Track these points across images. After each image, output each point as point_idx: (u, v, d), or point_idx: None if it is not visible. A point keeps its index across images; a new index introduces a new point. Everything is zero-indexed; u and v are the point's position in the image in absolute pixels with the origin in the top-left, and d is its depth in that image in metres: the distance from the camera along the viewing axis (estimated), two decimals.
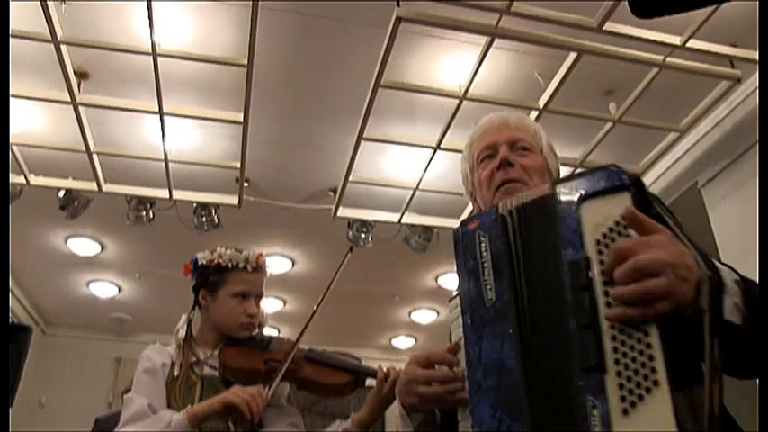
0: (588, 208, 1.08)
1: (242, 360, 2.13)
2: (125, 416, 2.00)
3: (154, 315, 8.51)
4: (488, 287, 1.10)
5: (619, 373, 0.96)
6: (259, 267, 2.29)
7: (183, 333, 2.24)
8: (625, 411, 0.94)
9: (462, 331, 1.13)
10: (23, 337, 5.49)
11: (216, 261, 2.25)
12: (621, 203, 1.06)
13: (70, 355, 8.77)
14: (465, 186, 1.69)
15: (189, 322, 2.28)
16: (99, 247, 6.94)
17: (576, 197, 1.10)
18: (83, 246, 6.89)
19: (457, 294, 1.23)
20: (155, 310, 8.41)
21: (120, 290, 8.05)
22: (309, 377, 2.16)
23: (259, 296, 2.29)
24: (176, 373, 2.13)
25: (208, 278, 2.27)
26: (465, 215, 5.45)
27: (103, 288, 7.98)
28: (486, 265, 1.11)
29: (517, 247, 1.12)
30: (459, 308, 1.18)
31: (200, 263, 2.29)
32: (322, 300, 2.28)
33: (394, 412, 1.36)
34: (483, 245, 1.13)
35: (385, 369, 2.03)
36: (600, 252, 1.04)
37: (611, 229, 1.05)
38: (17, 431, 7.47)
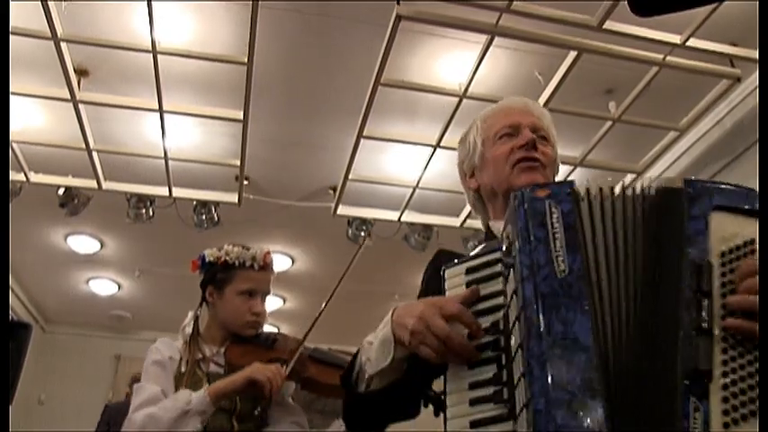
0: (718, 218, 1.09)
1: (247, 358, 2.12)
2: (137, 401, 2.01)
3: (153, 312, 8.52)
4: (560, 259, 1.05)
5: (725, 386, 0.97)
6: (266, 266, 2.28)
7: (189, 329, 2.24)
8: (726, 425, 0.95)
9: (521, 298, 1.06)
10: (23, 335, 5.48)
11: (223, 258, 2.25)
12: (752, 228, 1.07)
13: (70, 352, 8.78)
14: (468, 159, 1.65)
15: (196, 319, 2.28)
16: (99, 245, 6.95)
17: (707, 203, 1.11)
18: (82, 243, 6.89)
19: (463, 262, 1.24)
20: (154, 308, 8.42)
21: (119, 287, 8.05)
22: (313, 377, 2.16)
23: (265, 294, 2.29)
24: (183, 369, 2.13)
25: (215, 275, 2.27)
26: (464, 213, 5.45)
27: (103, 285, 7.99)
28: (558, 236, 1.07)
29: (607, 230, 1.10)
30: (496, 271, 1.16)
31: (207, 260, 2.29)
32: (330, 298, 2.28)
33: (372, 339, 1.30)
34: (555, 216, 1.09)
35: None
36: (723, 264, 1.05)
37: (737, 248, 1.06)
38: (17, 429, 7.48)
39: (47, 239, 6.83)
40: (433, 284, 1.37)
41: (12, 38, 3.54)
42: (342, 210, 5.54)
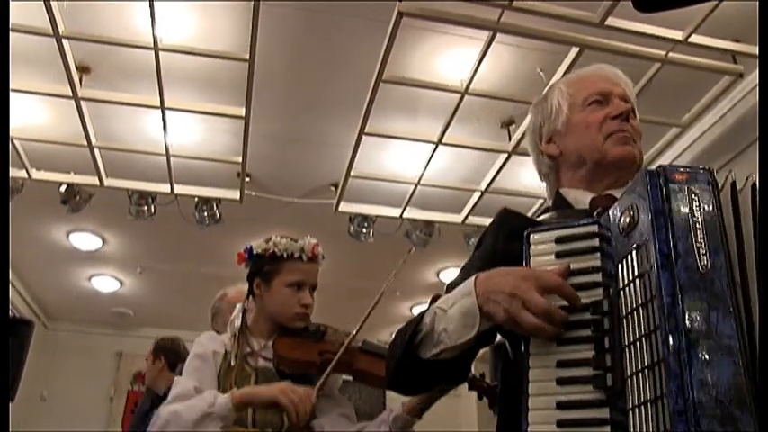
0: None
1: (297, 352, 2.11)
2: (171, 395, 2.00)
3: (155, 310, 8.53)
4: (701, 252, 0.96)
5: None
6: (314, 257, 2.27)
7: (238, 322, 2.22)
8: None
9: (654, 285, 0.96)
10: (25, 332, 5.51)
11: (271, 250, 2.23)
12: None
13: (72, 349, 8.79)
14: (548, 123, 1.57)
15: (244, 312, 2.26)
16: (100, 242, 6.95)
17: None
18: (84, 240, 6.90)
19: (552, 228, 1.17)
20: (156, 305, 8.43)
21: (121, 284, 8.06)
22: (365, 368, 2.14)
23: (314, 286, 2.26)
24: (231, 363, 2.11)
25: (262, 267, 2.24)
26: (466, 210, 5.45)
27: (105, 282, 8.00)
28: (699, 226, 0.98)
29: (748, 222, 1.01)
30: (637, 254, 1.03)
31: (254, 252, 2.26)
32: (381, 295, 2.25)
33: (447, 306, 1.22)
34: (695, 204, 1.00)
35: None
36: None
37: None
38: (19, 425, 7.49)
39: (48, 236, 6.83)
40: (504, 247, 1.32)
41: (13, 35, 3.55)
42: (343, 207, 5.54)
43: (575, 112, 1.53)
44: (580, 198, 1.45)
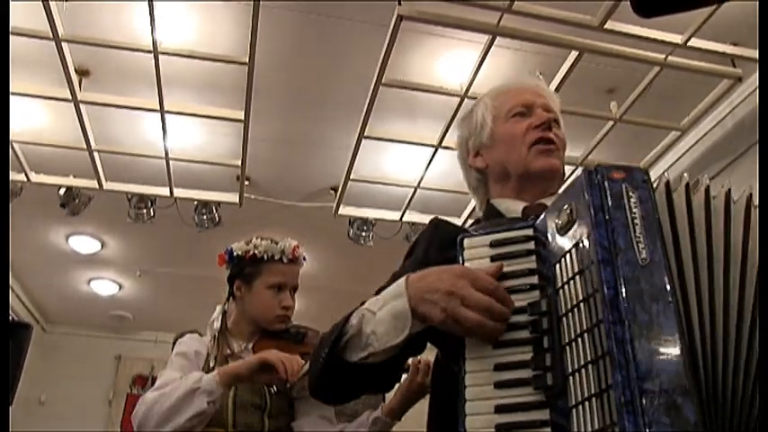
0: None
1: None
2: (156, 384, 2.00)
3: (154, 313, 8.52)
4: (641, 246, 0.98)
5: None
6: (295, 259, 2.26)
7: (217, 325, 2.23)
8: None
9: (596, 279, 0.97)
10: (23, 335, 5.49)
11: (252, 252, 2.23)
12: None
13: (70, 352, 8.78)
14: (474, 137, 1.58)
15: (224, 314, 2.26)
16: (99, 245, 6.95)
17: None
18: (83, 243, 6.89)
19: (486, 233, 1.16)
20: (155, 308, 8.42)
21: (120, 288, 8.05)
22: None
23: (294, 288, 2.26)
24: (211, 365, 2.11)
25: (243, 269, 2.24)
26: (466, 213, 5.45)
27: (104, 286, 7.99)
28: (637, 222, 1.00)
29: (690, 226, 1.06)
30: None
31: (235, 254, 2.26)
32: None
33: (376, 308, 1.17)
34: (633, 200, 1.03)
35: (416, 361, 2.01)
36: None
37: None
38: (17, 429, 7.48)
39: (48, 239, 6.83)
40: (437, 255, 1.30)
41: (12, 38, 3.55)
42: (343, 210, 5.54)
43: (499, 125, 1.54)
44: (512, 207, 1.46)
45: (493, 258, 1.13)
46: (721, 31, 3.77)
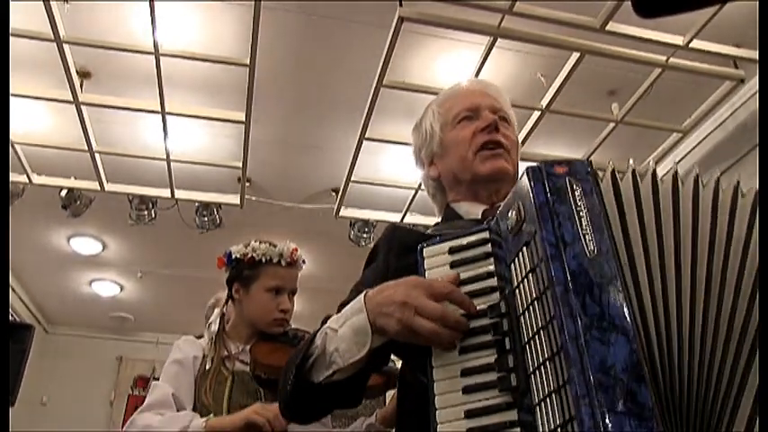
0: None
1: (274, 357, 2.07)
2: (147, 401, 2.00)
3: (155, 314, 8.53)
4: (587, 238, 0.99)
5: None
6: (293, 262, 2.26)
7: (215, 327, 2.23)
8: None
9: (546, 277, 0.98)
10: (25, 336, 5.51)
11: (250, 255, 2.23)
12: None
13: (72, 353, 8.79)
14: (426, 146, 1.58)
15: (222, 316, 2.27)
16: (101, 247, 6.95)
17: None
18: (85, 245, 6.90)
19: (443, 240, 1.17)
20: (156, 310, 8.43)
21: (121, 289, 8.06)
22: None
23: (293, 291, 2.26)
24: (207, 367, 2.11)
25: (242, 272, 2.24)
26: None
27: (105, 287, 8.00)
28: (582, 214, 1.01)
29: (631, 207, 1.06)
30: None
31: (234, 256, 2.27)
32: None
33: (337, 326, 1.18)
34: (577, 193, 1.03)
35: None
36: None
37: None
38: (19, 430, 7.48)
39: (49, 241, 6.84)
40: (397, 262, 1.31)
41: (14, 39, 3.55)
42: (344, 211, 5.54)
43: (447, 132, 1.53)
44: (471, 210, 1.47)
45: (452, 264, 1.13)
46: (723, 32, 3.77)
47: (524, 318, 1.01)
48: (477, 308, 1.07)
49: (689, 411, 0.94)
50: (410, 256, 1.22)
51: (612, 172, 1.09)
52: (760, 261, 1.03)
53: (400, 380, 1.36)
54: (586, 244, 0.99)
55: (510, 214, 1.10)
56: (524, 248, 1.04)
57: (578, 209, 1.02)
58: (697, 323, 0.99)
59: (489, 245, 1.13)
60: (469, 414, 1.00)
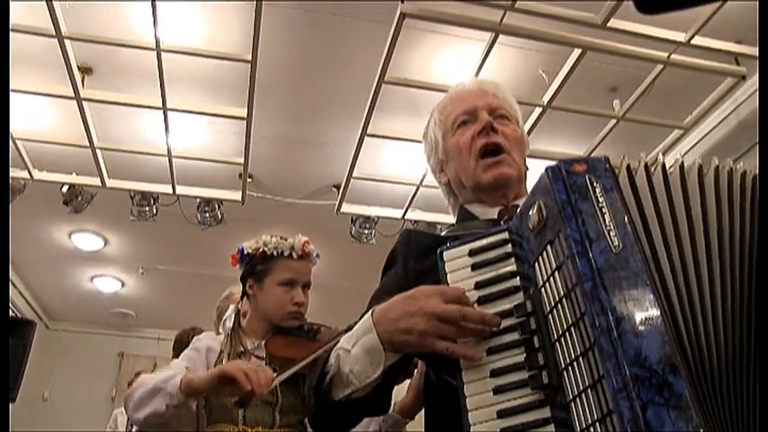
0: None
1: (289, 350, 2.07)
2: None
3: (157, 310, 8.54)
4: (612, 233, 1.00)
5: None
6: (305, 255, 2.26)
7: (230, 323, 2.23)
8: None
9: (574, 273, 0.98)
10: (27, 332, 5.52)
11: (261, 249, 2.23)
12: None
13: (73, 349, 8.81)
14: (433, 154, 1.60)
15: (237, 312, 2.27)
16: (102, 243, 6.96)
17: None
18: (86, 241, 6.91)
19: (463, 243, 1.17)
20: (158, 306, 8.44)
21: (123, 285, 8.07)
22: None
23: (306, 285, 2.26)
24: (224, 361, 2.10)
25: (254, 267, 2.25)
26: None
27: (107, 283, 8.01)
28: (605, 210, 1.02)
29: (648, 201, 1.06)
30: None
31: (246, 252, 2.27)
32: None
33: (349, 346, 1.18)
34: (597, 190, 1.04)
35: None
36: None
37: None
38: (21, 426, 7.50)
39: (51, 237, 6.84)
40: (416, 266, 1.31)
41: (15, 35, 3.55)
42: (345, 208, 5.54)
43: (448, 139, 1.54)
44: (487, 211, 1.46)
45: (474, 266, 1.14)
46: (725, 28, 3.76)
47: (553, 315, 1.02)
48: (503, 308, 1.08)
49: (722, 399, 0.95)
50: (429, 259, 1.22)
51: (628, 167, 1.09)
52: (759, 258, 1.04)
53: (425, 382, 1.36)
54: (611, 239, 0.99)
55: (531, 214, 1.10)
56: (548, 247, 1.05)
57: (600, 206, 1.03)
58: (719, 311, 1.00)
59: (510, 245, 1.13)
60: (502, 414, 1.00)
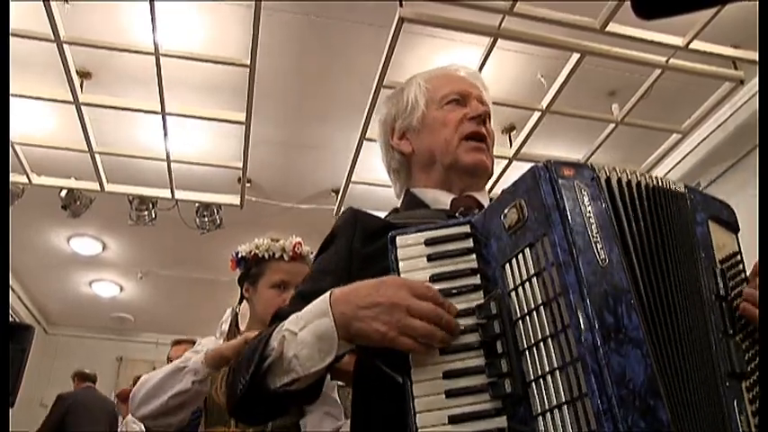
0: (713, 228, 1.14)
1: None
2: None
3: (155, 315, 8.53)
4: (598, 245, 0.96)
5: (749, 388, 1.01)
6: (297, 256, 2.27)
7: (225, 327, 2.24)
8: (756, 426, 0.99)
9: (558, 283, 0.94)
10: (25, 337, 5.51)
11: (254, 252, 2.25)
12: (732, 241, 1.17)
13: (72, 354, 8.78)
14: (403, 116, 1.49)
15: (235, 316, 2.28)
16: (101, 247, 6.95)
17: (704, 211, 1.15)
18: (85, 245, 6.90)
19: (418, 230, 1.08)
20: (156, 310, 8.43)
21: (121, 289, 8.06)
22: (343, 366, 2.12)
23: None
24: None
25: (250, 270, 2.27)
26: None
27: (105, 288, 8.00)
28: (592, 222, 0.97)
29: (636, 222, 1.04)
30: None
31: (240, 255, 2.29)
32: None
33: (297, 329, 1.07)
34: (586, 198, 0.99)
35: None
36: (722, 271, 1.10)
37: (728, 257, 1.13)
38: (19, 430, 7.48)
39: (49, 241, 6.84)
40: (362, 248, 1.22)
41: (14, 40, 3.55)
42: None
43: (431, 109, 1.46)
44: (440, 198, 1.39)
45: (429, 257, 1.06)
46: (723, 33, 3.77)
47: (524, 322, 0.97)
48: (459, 307, 1.01)
49: (700, 425, 0.95)
50: (376, 243, 1.15)
51: (607, 179, 1.06)
52: (760, 261, 1.05)
53: (359, 372, 1.27)
54: (598, 252, 0.96)
55: (507, 212, 1.03)
56: (527, 250, 0.99)
57: (588, 215, 0.99)
58: (703, 334, 1.02)
59: (471, 240, 1.06)
60: (454, 419, 0.95)
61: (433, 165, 1.43)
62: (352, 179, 5.06)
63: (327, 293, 1.07)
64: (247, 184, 5.36)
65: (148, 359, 8.72)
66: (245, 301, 2.30)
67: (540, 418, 0.91)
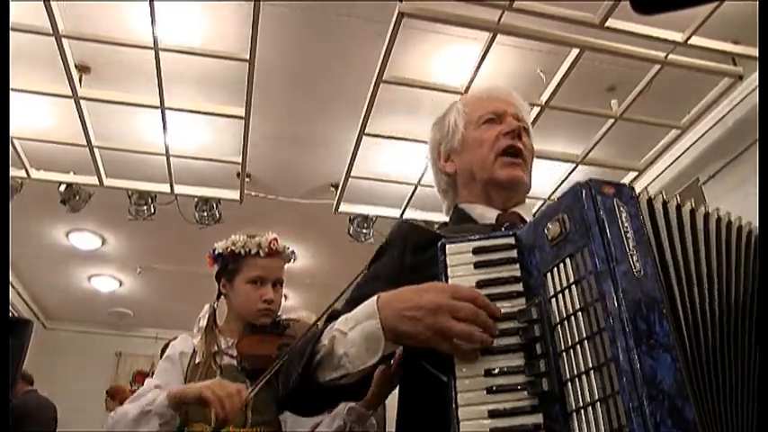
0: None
1: (258, 347, 2.09)
2: (131, 397, 2.02)
3: (154, 310, 8.54)
4: (635, 258, 1.03)
5: None
6: (272, 252, 2.28)
7: (203, 323, 2.25)
8: None
9: (599, 288, 1.01)
10: (24, 332, 5.49)
11: (230, 249, 2.27)
12: None
13: (71, 349, 8.80)
14: (446, 140, 1.61)
15: (213, 312, 2.29)
16: (100, 242, 6.96)
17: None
18: (84, 240, 6.90)
19: (467, 240, 1.17)
20: (155, 305, 8.43)
21: (120, 284, 8.06)
22: None
23: (277, 281, 2.27)
24: (197, 361, 2.13)
25: (226, 266, 2.29)
26: None
27: (104, 282, 8.01)
28: (629, 236, 1.05)
29: (671, 238, 1.11)
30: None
31: (217, 252, 2.31)
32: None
33: (347, 329, 1.16)
34: (624, 215, 1.07)
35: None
36: None
37: None
38: None
39: (48, 236, 6.83)
40: (412, 258, 1.31)
41: (12, 34, 3.54)
42: (343, 207, 5.55)
43: (470, 130, 1.57)
44: (486, 214, 1.49)
45: (476, 265, 1.14)
46: (722, 29, 3.77)
47: (563, 326, 1.04)
48: (504, 311, 1.09)
49: (726, 427, 1.00)
50: (426, 253, 1.22)
51: (649, 199, 1.13)
52: (760, 257, 1.07)
53: (405, 373, 1.37)
54: (634, 264, 1.02)
55: (550, 225, 1.11)
56: (568, 260, 1.06)
57: (625, 229, 1.06)
58: (730, 344, 1.07)
59: (515, 251, 1.15)
60: (493, 414, 1.02)
61: (474, 182, 1.54)
62: (352, 174, 5.06)
63: (375, 297, 1.16)
64: (246, 179, 5.36)
65: (147, 354, 8.73)
66: (222, 296, 2.32)
67: (575, 414, 0.98)
